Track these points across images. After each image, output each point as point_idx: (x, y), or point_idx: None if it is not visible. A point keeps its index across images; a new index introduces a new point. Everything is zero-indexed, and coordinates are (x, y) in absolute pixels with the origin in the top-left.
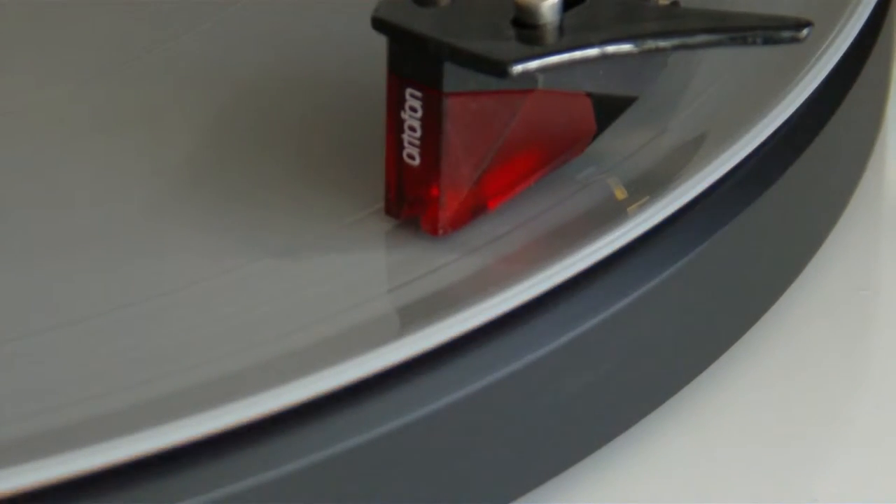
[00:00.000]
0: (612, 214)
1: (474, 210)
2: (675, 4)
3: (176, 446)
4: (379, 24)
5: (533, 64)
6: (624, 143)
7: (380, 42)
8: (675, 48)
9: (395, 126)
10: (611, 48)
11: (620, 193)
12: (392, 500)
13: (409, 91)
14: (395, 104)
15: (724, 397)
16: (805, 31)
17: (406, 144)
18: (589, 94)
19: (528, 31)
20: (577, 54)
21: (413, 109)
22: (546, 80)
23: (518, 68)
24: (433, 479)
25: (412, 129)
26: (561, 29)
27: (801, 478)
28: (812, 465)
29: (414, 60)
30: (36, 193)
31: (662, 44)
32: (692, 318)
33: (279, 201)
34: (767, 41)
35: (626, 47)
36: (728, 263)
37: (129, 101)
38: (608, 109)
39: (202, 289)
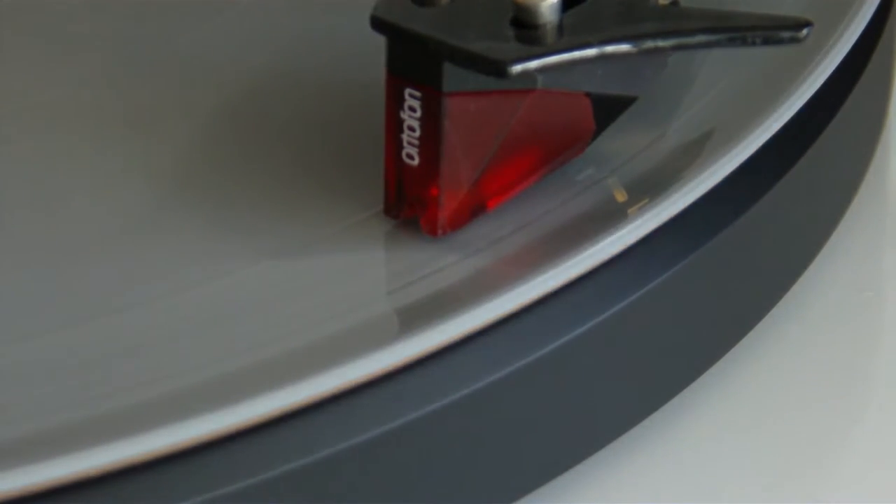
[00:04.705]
0: (612, 216)
1: (473, 210)
2: (674, 4)
3: (176, 447)
4: (378, 23)
5: (532, 64)
6: (625, 144)
7: (379, 42)
8: (675, 48)
9: (394, 126)
10: (610, 48)
11: (621, 195)
12: (392, 501)
13: (408, 91)
14: (394, 104)
15: (727, 398)
16: (805, 31)
17: (405, 144)
18: (588, 95)
19: (527, 31)
20: (577, 54)
21: (412, 109)
22: (545, 80)
23: (517, 68)
24: (434, 480)
25: (411, 129)
26: (560, 29)
27: (805, 478)
28: (815, 465)
29: (413, 60)
30: (35, 194)
31: (662, 44)
32: (693, 319)
33: (279, 203)
34: (767, 41)
35: (625, 47)
36: (730, 264)
37: (129, 102)
38: (608, 110)
39: (201, 291)
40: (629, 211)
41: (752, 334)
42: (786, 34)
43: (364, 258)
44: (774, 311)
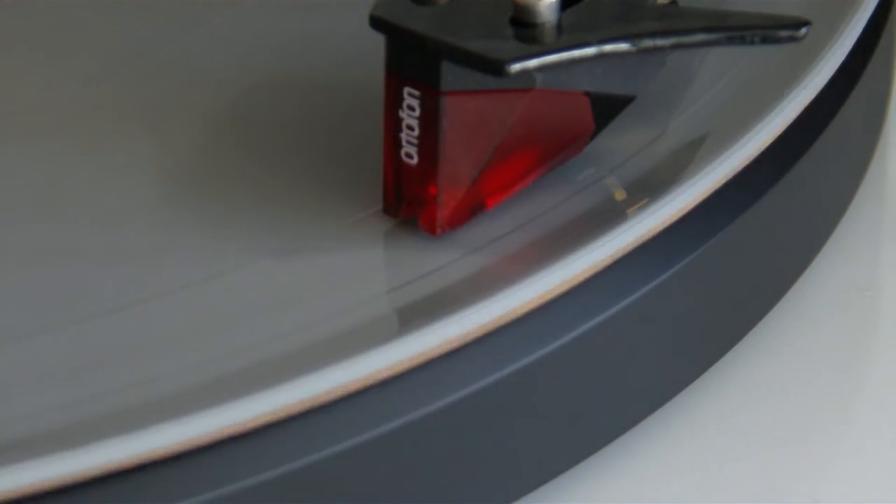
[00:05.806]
0: (611, 216)
1: (472, 209)
2: (673, 3)
3: (176, 446)
4: (376, 22)
5: (531, 63)
6: (624, 143)
7: (378, 41)
8: (673, 47)
9: (393, 125)
10: (608, 47)
11: (620, 195)
12: (392, 501)
13: (406, 90)
14: (393, 103)
15: (726, 398)
16: (803, 31)
17: (404, 143)
18: (587, 94)
19: (526, 29)
20: (575, 53)
21: (411, 108)
22: (544, 78)
23: (516, 67)
24: (433, 480)
25: (410, 127)
26: (559, 28)
27: (803, 478)
28: (814, 465)
29: (412, 59)
30: (37, 194)
31: (660, 43)
32: (693, 319)
33: (278, 202)
34: (765, 40)
35: (623, 46)
36: (730, 264)
37: (130, 102)
38: (606, 109)
39: (202, 289)
40: (628, 210)
41: (751, 334)
42: (784, 33)
43: (363, 257)
44: (774, 311)
